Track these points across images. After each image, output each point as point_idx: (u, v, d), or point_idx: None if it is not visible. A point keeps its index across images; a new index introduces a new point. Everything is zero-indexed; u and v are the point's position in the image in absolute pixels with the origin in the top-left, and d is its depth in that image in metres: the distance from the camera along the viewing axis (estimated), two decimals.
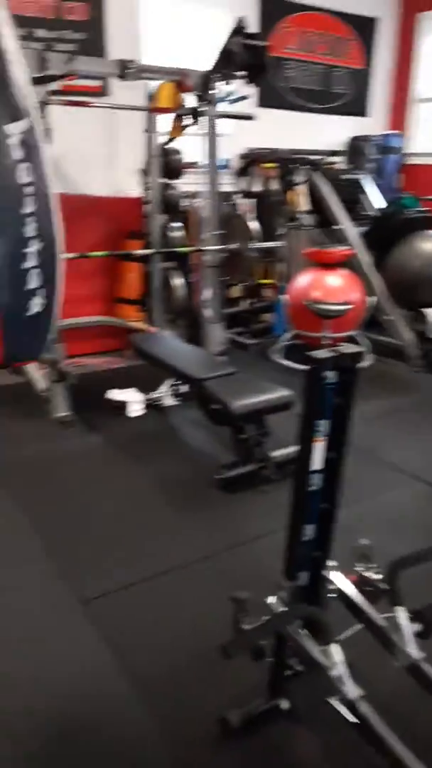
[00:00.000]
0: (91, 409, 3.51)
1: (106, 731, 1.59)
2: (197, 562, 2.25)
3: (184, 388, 3.63)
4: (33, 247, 1.77)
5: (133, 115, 4.48)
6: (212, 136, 3.62)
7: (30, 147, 1.74)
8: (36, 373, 3.62)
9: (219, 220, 3.80)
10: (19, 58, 1.71)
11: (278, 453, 2.73)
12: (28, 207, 1.75)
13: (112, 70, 3.34)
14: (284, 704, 1.54)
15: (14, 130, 1.67)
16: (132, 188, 4.51)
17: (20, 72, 1.71)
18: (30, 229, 1.76)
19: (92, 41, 4.26)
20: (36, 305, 1.84)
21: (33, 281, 1.81)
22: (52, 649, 1.85)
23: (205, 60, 3.57)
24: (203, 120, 3.66)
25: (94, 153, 4.43)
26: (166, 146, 4.07)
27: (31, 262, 1.78)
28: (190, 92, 3.57)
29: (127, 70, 3.28)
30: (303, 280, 4.12)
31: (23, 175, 1.73)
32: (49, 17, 4.12)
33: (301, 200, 4.57)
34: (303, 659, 1.47)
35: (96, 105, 3.86)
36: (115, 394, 3.62)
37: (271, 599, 1.49)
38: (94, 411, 3.51)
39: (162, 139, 4.13)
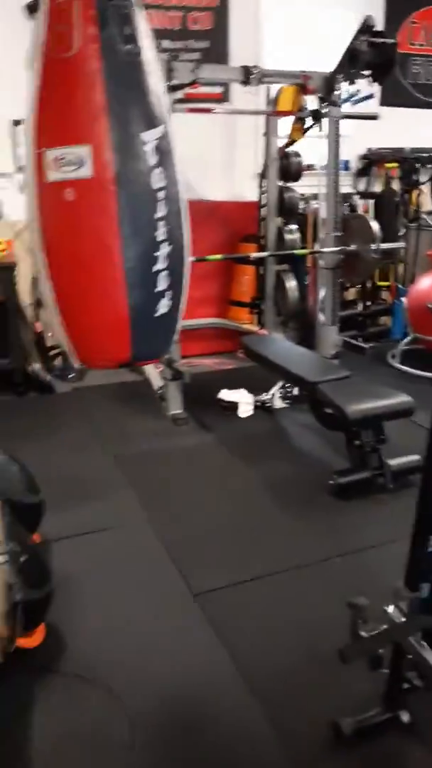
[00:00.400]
0: (202, 408, 3.59)
1: (219, 723, 1.61)
2: (309, 566, 2.23)
3: (295, 391, 3.62)
4: (163, 250, 1.85)
5: (252, 119, 4.53)
6: (334, 137, 3.58)
7: (164, 153, 1.81)
8: (152, 372, 3.76)
9: (338, 222, 3.74)
10: (157, 69, 1.79)
11: (395, 461, 2.65)
12: (161, 211, 1.83)
13: (235, 76, 3.40)
14: (404, 717, 1.49)
15: (150, 136, 1.75)
16: (248, 192, 4.56)
17: (157, 81, 1.79)
18: (161, 232, 1.83)
19: (215, 48, 4.36)
20: (164, 306, 1.91)
21: (162, 283, 1.88)
22: (167, 640, 1.90)
23: (326, 60, 3.54)
24: (325, 122, 3.62)
25: (212, 158, 4.53)
26: (286, 149, 4.07)
27: (161, 265, 1.85)
28: (313, 94, 3.55)
29: (250, 75, 3.32)
30: (426, 281, 3.96)
31: (157, 180, 1.81)
32: (175, 28, 4.27)
33: (425, 200, 4.40)
34: (424, 673, 1.41)
35: (219, 111, 3.94)
36: (226, 395, 3.68)
37: (390, 608, 1.45)
38: (206, 410, 3.59)
39: (281, 142, 4.13)
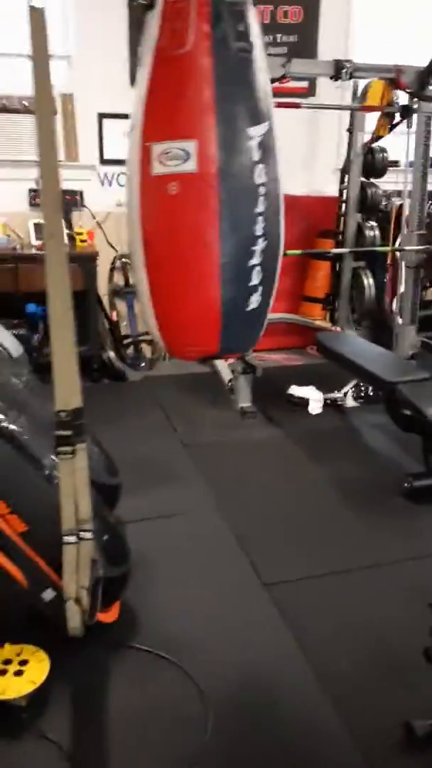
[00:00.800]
0: (271, 402, 3.60)
1: (290, 713, 1.63)
2: (381, 566, 2.22)
3: (368, 390, 3.58)
4: (259, 246, 1.87)
5: (336, 113, 4.48)
6: (424, 134, 3.50)
7: (267, 149, 1.83)
8: (221, 364, 3.79)
9: (423, 219, 3.66)
10: (265, 65, 1.80)
11: None
12: (260, 207, 1.85)
13: (326, 70, 3.36)
14: None
15: (256, 132, 1.77)
16: (328, 187, 4.51)
17: (265, 78, 1.81)
18: (259, 228, 1.85)
19: (304, 42, 4.32)
20: (255, 301, 1.94)
21: (255, 278, 1.90)
22: (237, 626, 1.93)
23: (418, 54, 3.45)
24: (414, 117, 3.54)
25: (293, 152, 4.49)
26: (371, 145, 4.00)
27: (256, 260, 1.88)
28: (404, 89, 3.47)
29: (342, 70, 3.28)
30: None
31: (259, 175, 1.83)
32: (265, 21, 4.26)
33: None
34: None
35: (307, 106, 3.91)
36: (296, 391, 3.68)
37: None
38: (274, 405, 3.60)
39: (366, 138, 4.07)
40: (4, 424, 1.65)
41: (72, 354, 1.53)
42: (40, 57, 1.30)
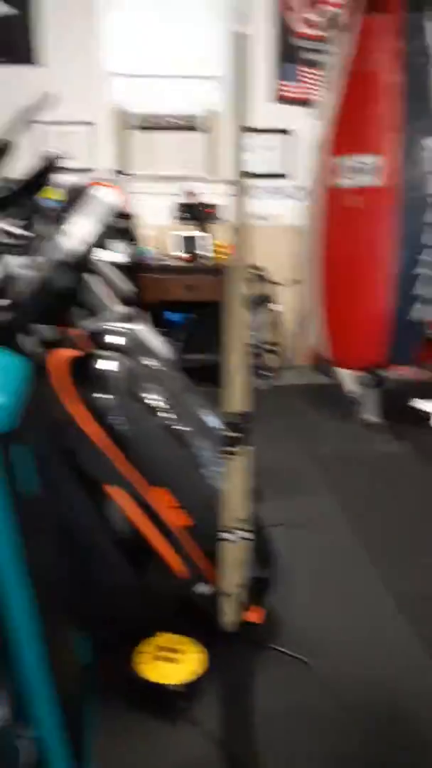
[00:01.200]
0: (396, 416, 3.54)
1: (418, 724, 1.60)
2: None
3: None
4: (426, 255, 1.86)
5: None
6: None
7: None
8: (345, 376, 3.77)
9: None
10: None
11: None
12: (431, 216, 1.84)
13: None
14: None
15: None
16: None
17: None
18: (428, 237, 1.84)
19: None
20: (420, 310, 1.93)
21: (421, 287, 1.89)
22: (370, 636, 1.92)
23: None
24: None
25: None
26: None
27: (423, 269, 1.87)
28: None
29: None
30: None
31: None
32: None
33: None
34: None
35: None
36: (422, 405, 3.59)
37: None
38: (400, 419, 3.53)
39: None
40: (176, 426, 1.75)
41: (244, 361, 1.60)
42: (241, 78, 1.39)
